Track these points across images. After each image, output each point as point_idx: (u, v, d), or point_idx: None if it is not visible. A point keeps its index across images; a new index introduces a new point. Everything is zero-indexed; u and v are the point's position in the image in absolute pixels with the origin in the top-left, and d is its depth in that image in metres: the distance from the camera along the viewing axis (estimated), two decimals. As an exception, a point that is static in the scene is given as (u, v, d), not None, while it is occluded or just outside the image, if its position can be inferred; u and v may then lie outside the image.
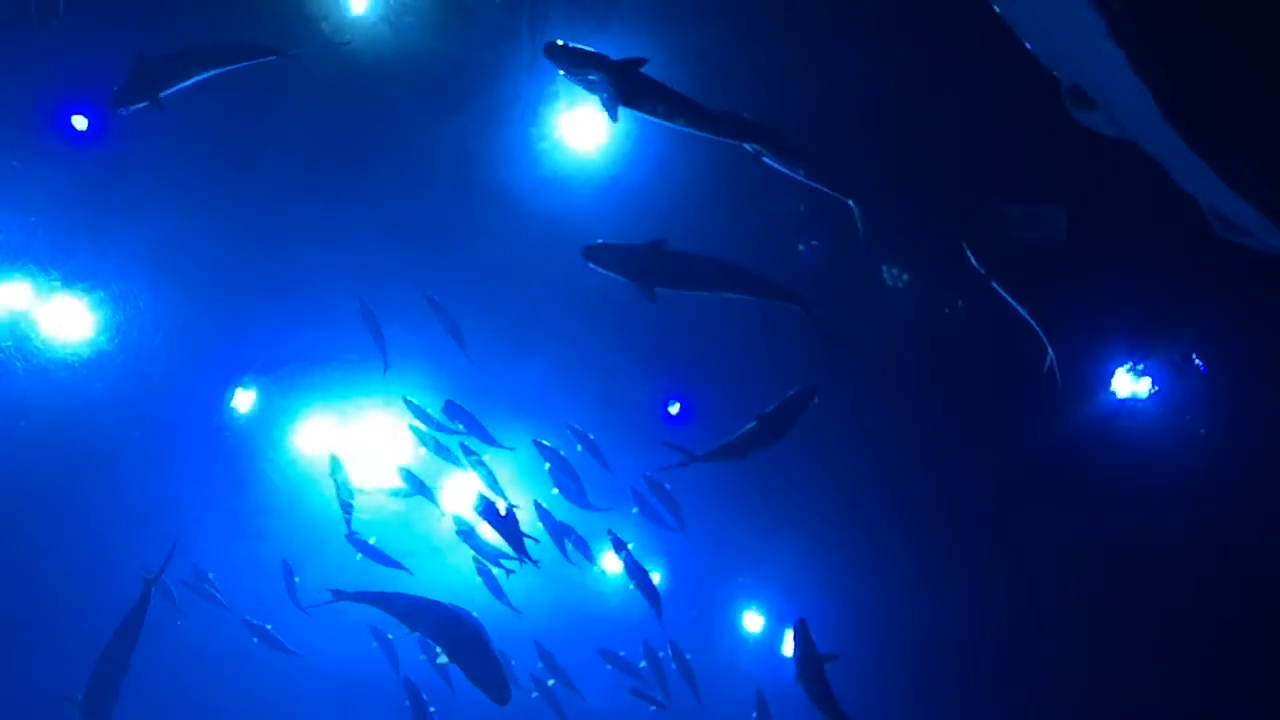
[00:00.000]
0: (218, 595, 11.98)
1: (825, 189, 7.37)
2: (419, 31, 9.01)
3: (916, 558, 11.75)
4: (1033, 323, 8.02)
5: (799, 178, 7.24)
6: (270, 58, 7.23)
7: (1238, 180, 3.14)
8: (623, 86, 6.50)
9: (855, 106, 8.78)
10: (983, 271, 7.96)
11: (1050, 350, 8.17)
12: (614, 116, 6.66)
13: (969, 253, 8.01)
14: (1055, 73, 3.19)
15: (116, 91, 7.08)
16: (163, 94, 7.04)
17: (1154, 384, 10.05)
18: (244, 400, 11.99)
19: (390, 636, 12.27)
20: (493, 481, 10.74)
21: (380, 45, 9.00)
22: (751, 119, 7.01)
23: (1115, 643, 11.51)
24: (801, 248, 10.44)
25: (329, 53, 8.92)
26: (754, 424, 7.84)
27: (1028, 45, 3.13)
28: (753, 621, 13.47)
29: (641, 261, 7.32)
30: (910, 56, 8.48)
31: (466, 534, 10.94)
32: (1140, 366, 10.05)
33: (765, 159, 7.13)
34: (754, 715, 11.49)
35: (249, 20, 9.01)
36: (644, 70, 6.52)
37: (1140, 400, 10.13)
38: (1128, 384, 10.13)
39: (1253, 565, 10.40)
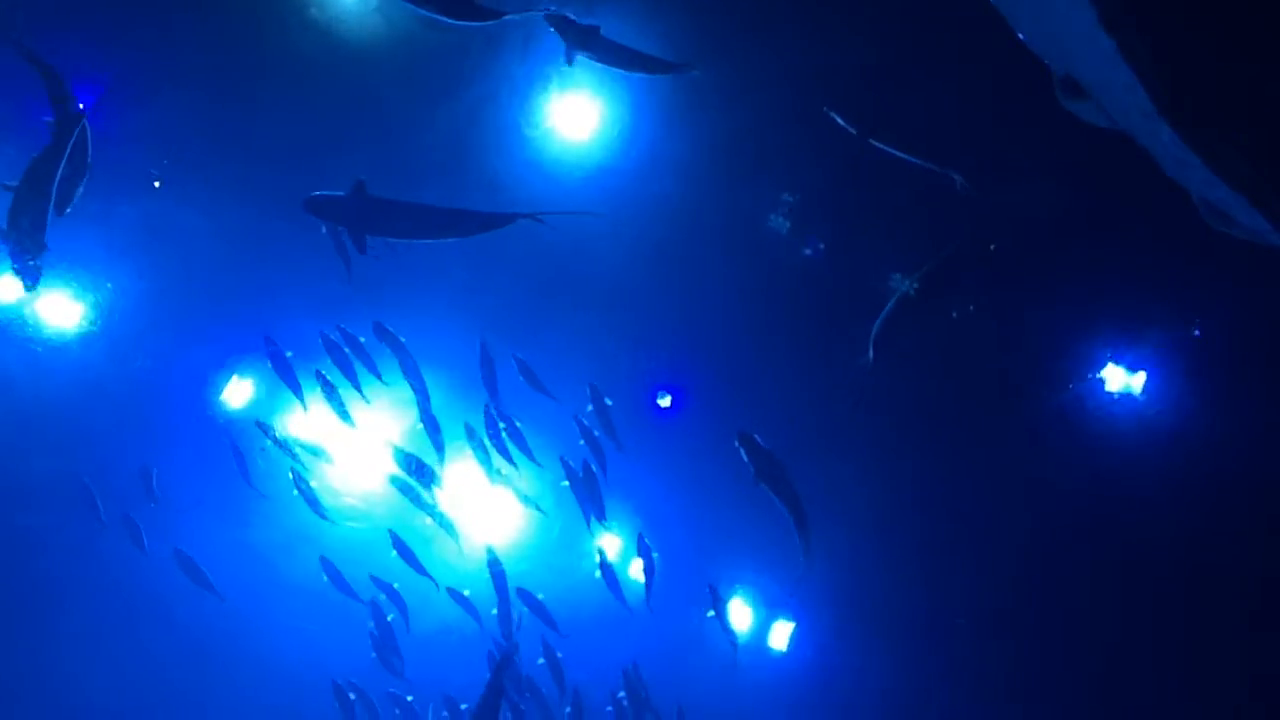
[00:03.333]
0: (143, 536, 11.87)
1: (653, 72, 7.49)
2: (409, 19, 8.99)
3: (910, 546, 11.80)
4: (917, 161, 7.85)
5: (622, 68, 7.39)
6: (79, 125, 7.05)
7: (1228, 171, 3.15)
8: None
9: (849, 97, 8.76)
10: (855, 133, 7.80)
11: (932, 167, 7.94)
12: None
13: (837, 118, 7.83)
14: (1047, 63, 3.20)
15: (20, 275, 6.98)
16: (45, 237, 6.93)
17: (1145, 376, 10.08)
18: (235, 388, 11.97)
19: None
20: (425, 401, 10.75)
21: (372, 33, 8.98)
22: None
23: (1108, 635, 11.58)
24: (798, 242, 10.46)
25: (321, 41, 8.91)
26: (913, 285, 7.73)
27: (1020, 35, 3.14)
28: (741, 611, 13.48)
29: (351, 209, 7.32)
30: (905, 47, 8.47)
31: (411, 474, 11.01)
32: (1129, 360, 10.09)
33: (578, 54, 7.46)
34: (710, 612, 11.51)
35: (240, 8, 9.00)
36: None
37: (1130, 393, 10.16)
38: (1118, 377, 10.16)
39: (1244, 560, 10.45)
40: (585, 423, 11.13)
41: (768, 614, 13.07)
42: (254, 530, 12.57)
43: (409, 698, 12.35)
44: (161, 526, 12.02)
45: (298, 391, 10.73)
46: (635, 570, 11.86)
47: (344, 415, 10.84)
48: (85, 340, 10.89)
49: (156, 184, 10.09)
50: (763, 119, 8.95)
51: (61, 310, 10.63)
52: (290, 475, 11.38)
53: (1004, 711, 12.33)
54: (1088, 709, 11.97)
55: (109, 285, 10.70)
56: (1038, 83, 3.35)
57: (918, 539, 11.75)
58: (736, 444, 8.29)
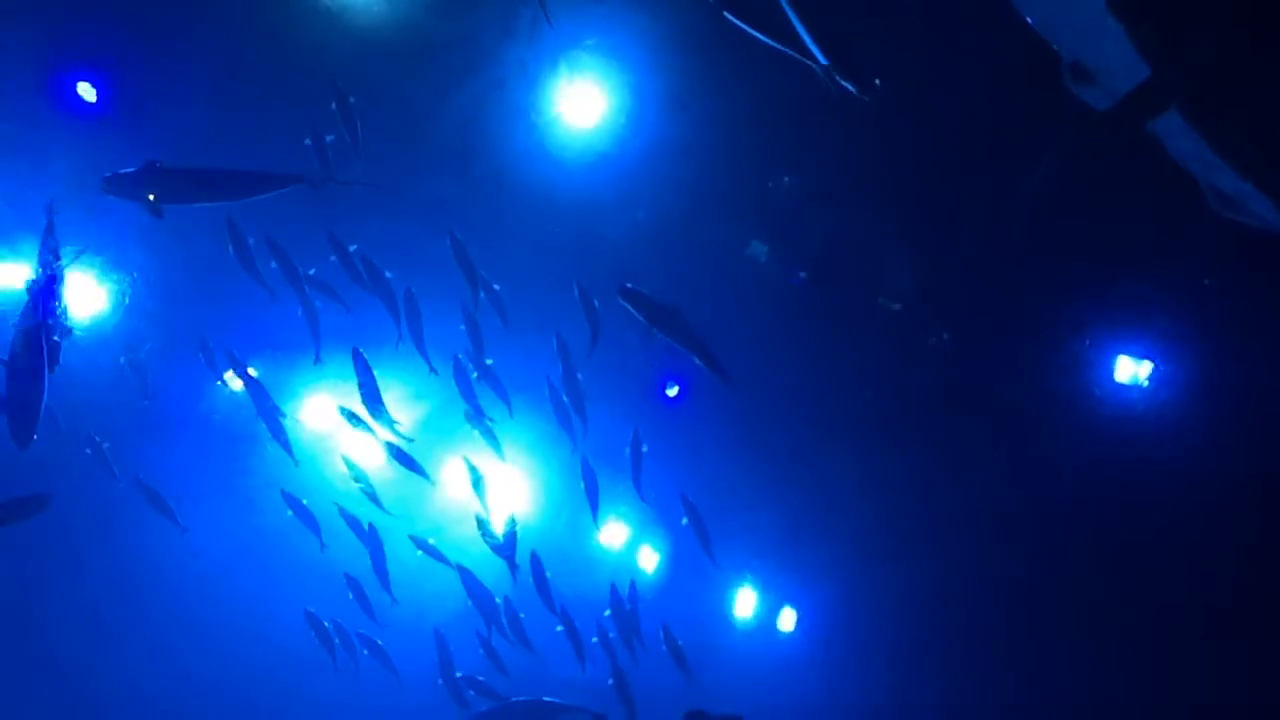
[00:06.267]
0: (111, 463, 11.64)
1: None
2: (416, 9, 9.03)
3: (912, 536, 11.83)
4: (778, 46, 7.68)
5: None
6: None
7: (1236, 157, 3.16)
8: None
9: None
10: (726, 14, 7.68)
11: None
12: None
13: None
14: (1056, 48, 3.21)
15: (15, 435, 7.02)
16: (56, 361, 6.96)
17: (1154, 367, 10.08)
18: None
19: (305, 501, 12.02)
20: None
21: (381, 22, 9.01)
22: None
23: (1109, 627, 11.60)
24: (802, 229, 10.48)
25: (329, 29, 8.94)
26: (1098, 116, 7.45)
27: (1029, 20, 3.14)
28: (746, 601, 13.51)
29: (143, 183, 7.79)
30: (914, 34, 8.46)
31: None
32: (1136, 349, 10.10)
33: None
34: (684, 521, 11.54)
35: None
36: None
37: (1138, 384, 10.17)
38: (1125, 366, 10.17)
39: (1247, 550, 10.47)
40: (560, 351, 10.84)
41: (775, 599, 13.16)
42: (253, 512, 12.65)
43: (379, 641, 12.38)
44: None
45: (254, 275, 10.23)
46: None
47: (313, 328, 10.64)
48: (98, 332, 10.95)
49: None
50: (768, 105, 8.95)
51: (72, 299, 10.66)
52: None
53: (1004, 706, 12.39)
54: (1089, 699, 12.01)
55: (122, 277, 10.75)
56: (1045, 67, 3.37)
57: (919, 530, 11.78)
58: (620, 299, 8.54)
